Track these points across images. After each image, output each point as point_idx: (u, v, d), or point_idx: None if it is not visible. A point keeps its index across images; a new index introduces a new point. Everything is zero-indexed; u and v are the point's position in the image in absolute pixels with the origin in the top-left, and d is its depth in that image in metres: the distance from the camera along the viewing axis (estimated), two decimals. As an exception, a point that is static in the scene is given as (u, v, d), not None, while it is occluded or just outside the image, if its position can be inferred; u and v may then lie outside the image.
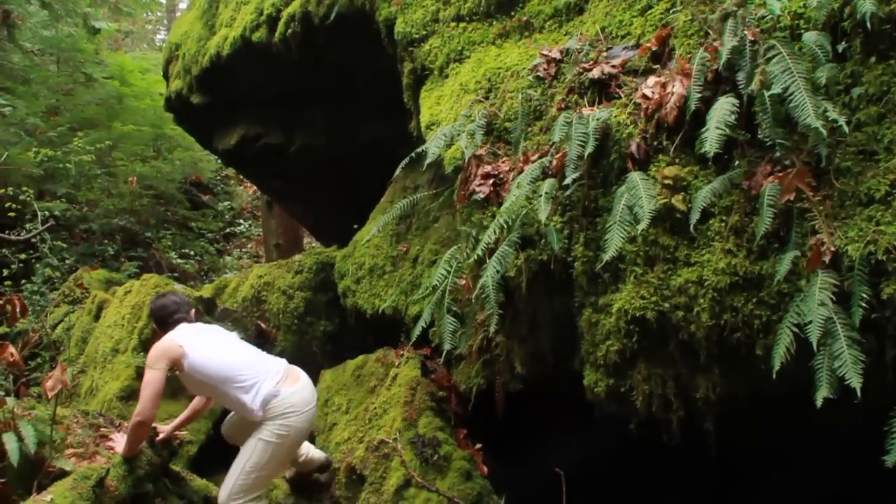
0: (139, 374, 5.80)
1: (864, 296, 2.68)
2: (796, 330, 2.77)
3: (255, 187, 14.31)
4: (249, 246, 15.22)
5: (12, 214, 9.87)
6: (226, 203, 15.97)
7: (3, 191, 10.02)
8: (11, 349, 4.65)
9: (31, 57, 12.92)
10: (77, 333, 7.32)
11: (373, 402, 4.94)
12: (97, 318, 7.17)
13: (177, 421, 4.62)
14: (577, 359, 3.69)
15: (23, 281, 9.31)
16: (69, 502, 3.75)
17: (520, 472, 4.29)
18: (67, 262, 10.74)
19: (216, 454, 5.72)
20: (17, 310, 5.22)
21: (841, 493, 4.09)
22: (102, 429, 4.81)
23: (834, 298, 2.71)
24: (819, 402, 2.64)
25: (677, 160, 3.31)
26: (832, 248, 2.78)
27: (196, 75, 8.17)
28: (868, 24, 2.80)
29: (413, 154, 4.27)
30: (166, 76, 9.44)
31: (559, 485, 3.34)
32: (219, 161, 13.39)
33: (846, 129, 2.80)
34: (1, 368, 6.56)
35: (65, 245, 10.61)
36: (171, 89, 8.99)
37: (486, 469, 4.41)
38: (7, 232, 9.27)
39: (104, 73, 13.92)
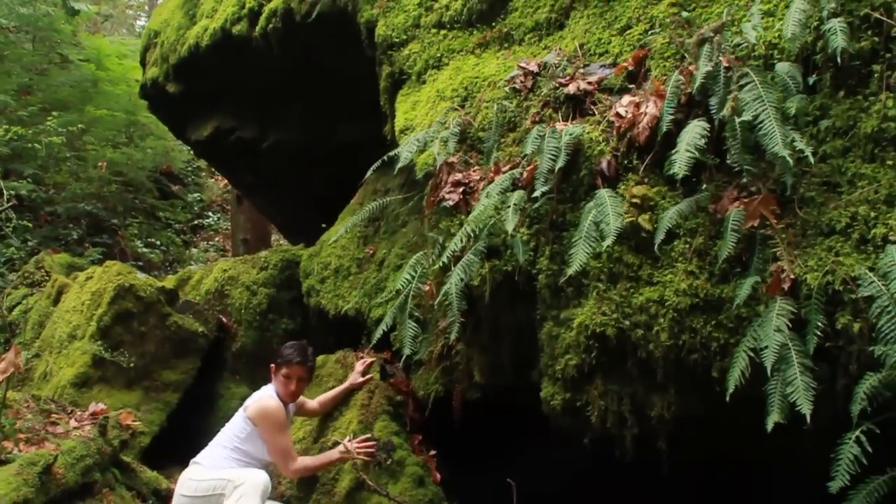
0: (95, 361, 5.73)
1: (820, 324, 2.73)
2: (752, 354, 2.82)
3: (225, 180, 14.20)
4: (217, 239, 15.10)
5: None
6: (195, 195, 15.83)
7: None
8: (-36, 329, 4.58)
9: (5, 33, 12.73)
10: (34, 317, 7.21)
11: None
12: (56, 302, 7.06)
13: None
14: (536, 371, 3.70)
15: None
16: (12, 487, 3.69)
17: (473, 480, 4.29)
18: (30, 244, 10.57)
19: (168, 447, 5.67)
20: (-26, 289, 5.13)
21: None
22: (53, 415, 4.76)
23: (790, 325, 2.76)
24: (770, 427, 2.68)
25: (646, 180, 3.35)
26: (792, 276, 2.83)
27: (174, 64, 8.10)
28: (839, 59, 2.86)
29: (385, 157, 4.27)
30: (143, 63, 9.35)
31: (511, 496, 3.35)
32: (191, 152, 13.27)
33: (812, 159, 2.86)
34: (-47, 349, 6.46)
35: (29, 225, 10.44)
36: (148, 76, 8.91)
37: (439, 476, 4.40)
38: (-32, 209, 9.10)
39: (80, 55, 13.75)
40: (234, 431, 4.26)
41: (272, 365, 4.46)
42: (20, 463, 3.84)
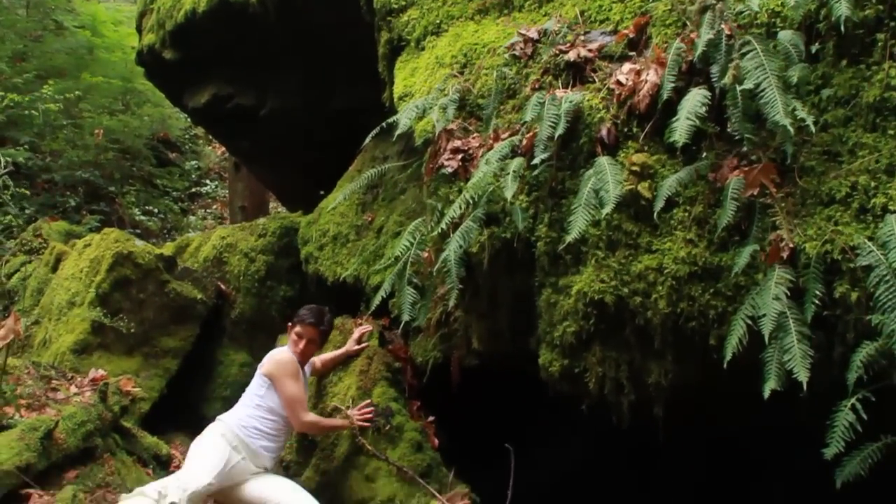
0: (94, 328, 5.75)
1: (818, 293, 2.74)
2: (750, 322, 2.82)
3: (223, 148, 14.14)
4: (214, 207, 15.06)
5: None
6: (193, 162, 15.76)
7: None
8: (-36, 296, 4.59)
9: (-2, -1, 12.62)
10: (33, 284, 7.22)
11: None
12: (55, 269, 7.07)
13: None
14: (534, 338, 3.72)
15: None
16: (15, 452, 3.73)
17: (471, 446, 4.33)
18: (27, 211, 10.54)
19: (168, 413, 5.71)
20: (-28, 256, 5.13)
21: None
22: (54, 381, 4.78)
23: (788, 294, 2.77)
24: (766, 394, 2.70)
25: (646, 148, 3.34)
26: (791, 245, 2.83)
27: (170, 30, 8.01)
28: (842, 28, 2.83)
29: (384, 124, 4.25)
30: (139, 29, 9.25)
31: (509, 460, 3.38)
32: (188, 119, 13.20)
33: (813, 128, 2.84)
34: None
35: (27, 192, 10.39)
36: (144, 43, 8.82)
37: (437, 441, 4.44)
38: (-35, 177, 9.05)
39: (75, 21, 13.62)
40: (253, 390, 4.32)
41: (289, 323, 4.55)
42: (22, 428, 3.87)
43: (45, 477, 3.89)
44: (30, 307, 6.84)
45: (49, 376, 4.78)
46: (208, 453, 3.98)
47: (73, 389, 4.66)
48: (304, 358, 4.42)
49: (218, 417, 4.27)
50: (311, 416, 4.34)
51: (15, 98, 10.59)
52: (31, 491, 3.68)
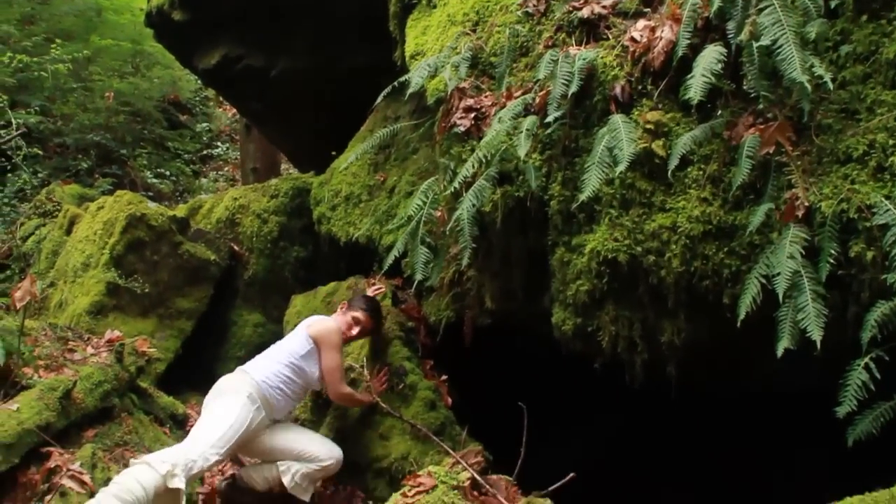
0: (109, 290, 5.80)
1: (833, 252, 2.72)
2: (764, 281, 2.81)
3: (234, 110, 14.08)
4: (226, 169, 15.05)
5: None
6: (204, 125, 15.72)
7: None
8: (-21, 258, 4.62)
9: (5, -39, 12.51)
10: (48, 247, 7.27)
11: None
12: (69, 232, 7.11)
13: None
14: (547, 297, 3.72)
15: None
16: (35, 412, 3.77)
17: (484, 405, 4.36)
18: (40, 175, 10.56)
19: (183, 373, 5.78)
20: (-13, 218, 5.15)
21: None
22: (71, 342, 4.82)
23: (803, 253, 2.75)
24: (780, 352, 2.70)
25: (660, 105, 3.30)
26: (806, 204, 2.81)
27: (179, -10, 7.97)
28: (862, -19, 2.79)
29: (396, 83, 4.22)
30: (148, -10, 9.19)
31: (521, 418, 3.41)
32: (198, 81, 13.15)
33: (831, 86, 2.80)
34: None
35: (40, 151, 10.40)
36: (153, 4, 8.75)
37: (450, 400, 4.47)
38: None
39: (83, -17, 13.51)
40: (293, 348, 4.31)
41: (345, 302, 4.62)
42: (41, 388, 3.91)
43: (64, 436, 3.94)
44: (45, 270, 6.90)
45: (66, 337, 4.82)
46: (230, 419, 3.91)
47: (90, 350, 4.70)
48: (346, 341, 4.48)
49: (242, 369, 4.24)
50: (348, 389, 4.35)
51: (24, 59, 10.56)
52: (51, 449, 3.73)
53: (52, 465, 3.64)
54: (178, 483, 3.47)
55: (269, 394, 4.11)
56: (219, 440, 3.80)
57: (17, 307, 4.08)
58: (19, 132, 9.00)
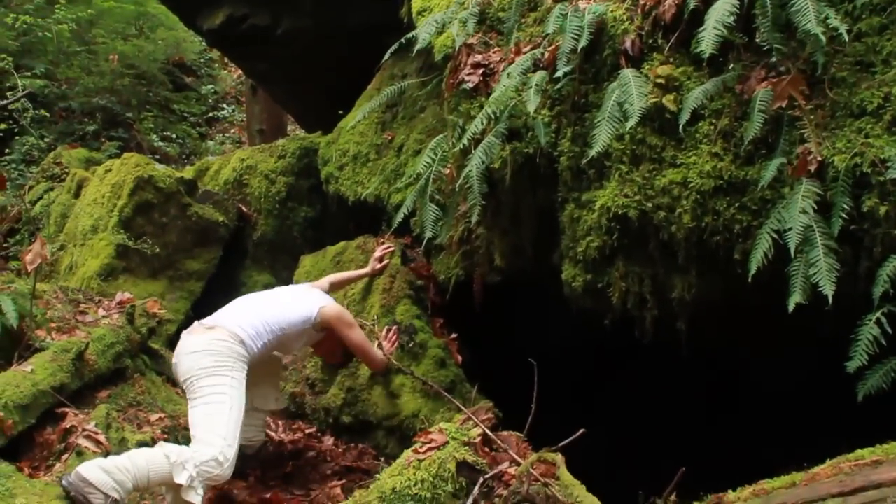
0: (119, 252, 5.81)
1: (846, 207, 2.70)
2: (775, 236, 2.79)
3: (239, 71, 13.98)
4: (232, 131, 14.99)
5: (-12, 84, 9.61)
6: (209, 87, 15.62)
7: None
8: (-10, 222, 4.63)
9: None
10: (57, 210, 7.27)
11: (351, 288, 4.98)
12: (77, 195, 7.11)
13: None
14: (557, 253, 3.72)
15: (-4, 156, 9.13)
16: (49, 373, 3.80)
17: (494, 363, 4.38)
18: (46, 139, 10.54)
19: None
20: (-3, 181, 5.15)
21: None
22: (82, 305, 4.84)
23: (815, 207, 2.73)
24: (791, 307, 2.69)
25: (671, 59, 3.25)
26: (819, 158, 2.78)
27: (181, -51, 7.87)
28: (879, -72, 2.73)
29: (403, 40, 4.19)
30: (150, -51, 9.09)
31: (531, 376, 3.41)
32: (202, 42, 13.03)
33: (846, 37, 2.75)
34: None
35: (47, 114, 10.35)
36: (155, -37, 8.68)
37: (460, 358, 4.49)
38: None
39: (83, -57, 13.34)
40: (289, 317, 3.98)
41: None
42: (54, 350, 3.94)
43: (78, 397, 3.97)
44: (54, 234, 6.91)
45: (77, 300, 4.84)
46: (236, 418, 3.54)
47: (101, 312, 4.72)
48: None
49: (234, 331, 3.75)
50: (382, 355, 4.29)
51: (28, 20, 10.47)
52: (66, 410, 3.77)
53: (68, 426, 3.68)
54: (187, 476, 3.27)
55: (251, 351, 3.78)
56: (228, 444, 3.45)
57: (29, 270, 4.09)
58: (25, 92, 8.95)
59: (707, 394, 4.78)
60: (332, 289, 4.71)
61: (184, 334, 3.87)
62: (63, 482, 3.12)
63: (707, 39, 2.95)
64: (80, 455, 3.52)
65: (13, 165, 9.16)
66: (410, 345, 4.43)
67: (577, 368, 4.68)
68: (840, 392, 2.76)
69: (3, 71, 9.69)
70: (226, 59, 13.98)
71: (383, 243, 4.97)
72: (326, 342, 4.28)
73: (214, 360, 3.61)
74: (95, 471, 3.14)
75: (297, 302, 4.10)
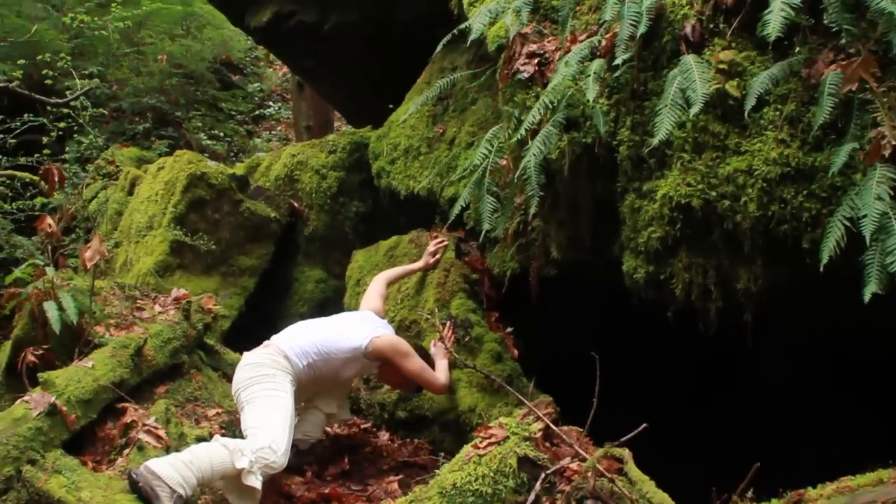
0: (173, 249, 5.87)
1: (923, 193, 2.60)
2: (848, 224, 2.70)
3: (285, 68, 14.07)
4: (279, 129, 15.09)
5: (49, 82, 9.72)
6: (255, 85, 15.75)
7: (40, 57, 9.87)
8: (49, 220, 4.69)
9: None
10: (111, 208, 7.38)
11: (406, 282, 4.95)
12: (130, 193, 7.21)
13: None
14: (617, 245, 3.65)
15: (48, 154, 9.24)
16: (109, 369, 3.85)
17: (550, 357, 4.32)
18: (99, 139, 10.70)
19: (246, 330, 5.84)
20: (56, 180, 5.21)
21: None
22: (139, 301, 4.90)
23: (891, 194, 2.63)
24: (867, 298, 2.59)
25: (734, 44, 3.17)
26: (893, 142, 2.67)
27: (228, -52, 7.92)
28: None
29: (455, 31, 4.14)
30: (197, -51, 9.17)
31: (591, 369, 3.35)
32: (249, 40, 13.12)
33: (921, 16, 2.65)
34: (40, 240, 6.66)
35: (104, 112, 10.48)
36: (203, -37, 8.76)
37: (516, 352, 4.45)
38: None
39: (130, -54, 13.51)
40: (338, 343, 4.05)
41: None
42: (113, 346, 3.99)
43: (137, 392, 4.02)
44: (109, 231, 7.00)
45: (134, 296, 4.89)
46: (284, 414, 3.69)
47: (158, 308, 4.76)
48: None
49: (282, 347, 3.96)
50: (444, 377, 4.22)
51: (86, 19, 10.62)
52: (126, 405, 3.81)
53: (128, 421, 3.72)
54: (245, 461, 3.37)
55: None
56: (284, 436, 3.60)
57: (87, 267, 4.15)
58: (86, 89, 9.09)
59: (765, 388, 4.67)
60: (388, 285, 4.72)
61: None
62: (132, 474, 3.21)
63: (774, 22, 2.86)
64: (142, 450, 3.55)
65: (68, 165, 9.30)
66: (466, 339, 4.40)
67: (637, 364, 4.59)
68: None
69: (63, 72, 9.83)
70: (271, 57, 14.07)
71: (436, 237, 4.95)
72: (389, 372, 4.22)
73: (258, 370, 3.83)
74: (164, 465, 3.22)
75: (351, 330, 4.14)
